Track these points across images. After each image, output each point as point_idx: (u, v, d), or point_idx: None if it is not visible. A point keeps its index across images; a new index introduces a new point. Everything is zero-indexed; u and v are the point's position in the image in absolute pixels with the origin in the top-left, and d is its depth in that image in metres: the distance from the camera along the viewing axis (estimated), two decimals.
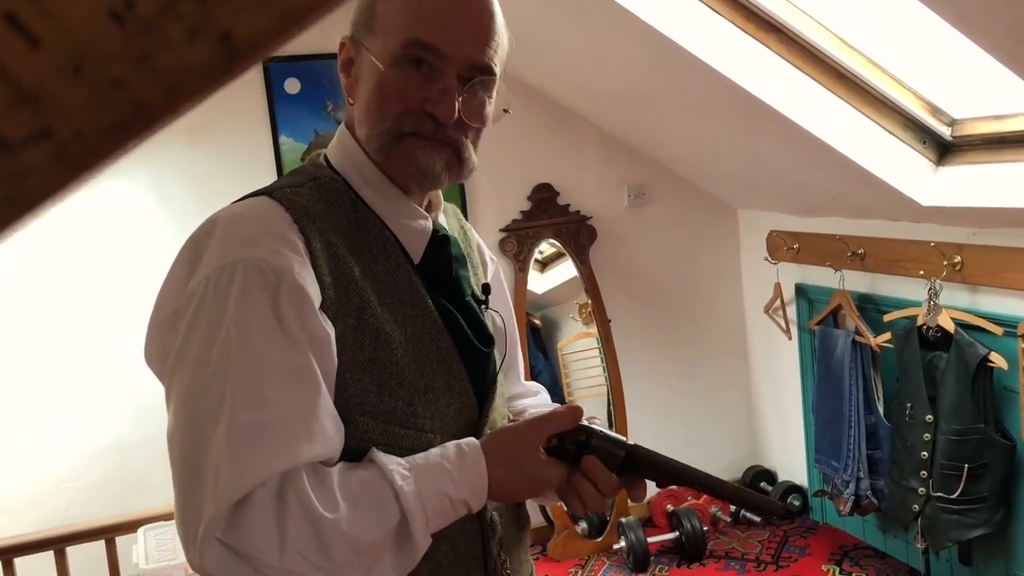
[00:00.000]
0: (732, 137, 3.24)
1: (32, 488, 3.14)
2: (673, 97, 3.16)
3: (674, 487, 3.99)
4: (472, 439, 1.05)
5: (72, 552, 2.57)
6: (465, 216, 3.94)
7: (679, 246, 4.06)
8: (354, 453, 1.01)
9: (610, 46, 2.98)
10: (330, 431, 0.97)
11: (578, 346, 4.06)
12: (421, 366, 1.07)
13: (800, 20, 2.61)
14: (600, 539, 3.81)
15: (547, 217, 3.81)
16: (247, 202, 1.05)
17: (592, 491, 1.07)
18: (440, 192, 1.21)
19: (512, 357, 1.36)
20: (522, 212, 3.78)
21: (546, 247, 3.97)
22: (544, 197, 3.80)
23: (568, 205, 3.83)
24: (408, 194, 1.12)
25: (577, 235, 3.85)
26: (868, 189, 2.87)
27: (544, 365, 4.05)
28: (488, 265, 1.35)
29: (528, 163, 3.78)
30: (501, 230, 3.76)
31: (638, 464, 1.06)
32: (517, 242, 3.77)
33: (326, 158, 1.14)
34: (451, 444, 1.04)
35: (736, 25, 2.59)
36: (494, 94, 1.12)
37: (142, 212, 3.26)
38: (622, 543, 3.66)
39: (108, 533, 2.59)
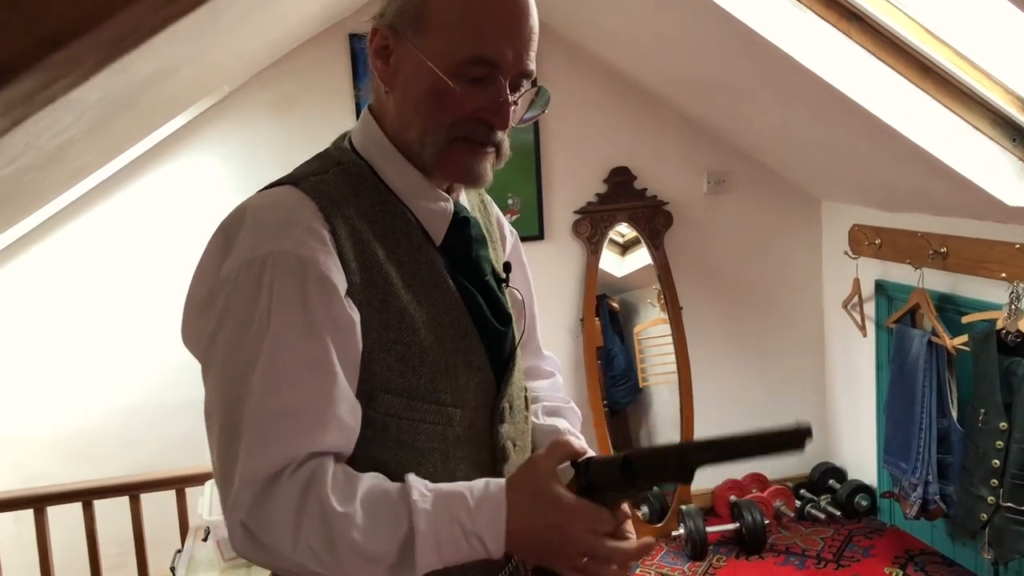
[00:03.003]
0: (813, 128, 3.17)
1: (113, 438, 3.34)
2: (753, 85, 3.11)
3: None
4: (502, 481, 1.04)
5: (145, 499, 2.73)
6: (539, 198, 3.91)
7: (758, 235, 3.98)
8: (379, 427, 1.07)
9: (690, 32, 2.95)
10: (346, 419, 1.02)
11: (654, 332, 4.03)
12: (443, 345, 1.11)
13: (884, 9, 2.52)
14: (660, 524, 3.81)
15: (623, 200, 3.79)
16: (274, 191, 1.09)
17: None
18: None
19: (530, 328, 1.40)
20: (597, 195, 3.78)
21: (626, 230, 3.96)
22: (621, 180, 3.78)
23: (645, 189, 3.81)
24: (430, 178, 1.15)
25: (652, 220, 3.82)
26: (953, 187, 2.77)
27: (620, 349, 4.05)
28: (507, 239, 1.39)
29: (606, 146, 3.77)
30: (575, 212, 3.76)
31: (640, 464, 1.03)
32: (590, 225, 3.76)
33: (351, 142, 1.18)
34: (481, 480, 1.04)
35: (816, 12, 2.52)
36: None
37: (229, 178, 3.39)
38: (681, 530, 3.66)
39: (178, 484, 2.73)
